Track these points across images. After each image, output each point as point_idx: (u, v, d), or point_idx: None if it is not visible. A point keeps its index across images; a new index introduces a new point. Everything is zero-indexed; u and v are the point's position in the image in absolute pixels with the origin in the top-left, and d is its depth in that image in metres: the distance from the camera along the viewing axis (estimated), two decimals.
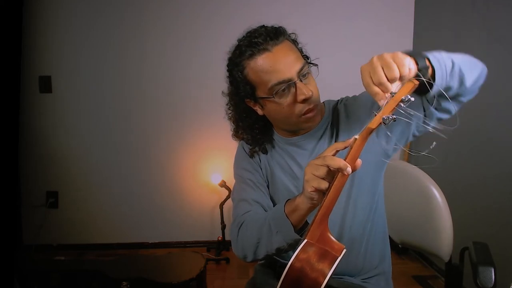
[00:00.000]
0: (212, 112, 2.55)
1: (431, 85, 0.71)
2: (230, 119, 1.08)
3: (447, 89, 0.76)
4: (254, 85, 0.93)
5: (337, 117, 1.02)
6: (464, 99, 0.84)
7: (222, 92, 1.06)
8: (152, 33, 2.53)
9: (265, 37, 0.89)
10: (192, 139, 2.63)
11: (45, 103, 2.56)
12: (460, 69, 0.76)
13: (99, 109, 2.59)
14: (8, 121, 1.69)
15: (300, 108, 0.91)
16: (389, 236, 1.18)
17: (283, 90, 0.90)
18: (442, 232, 1.17)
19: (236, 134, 1.09)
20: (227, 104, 1.07)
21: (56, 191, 2.63)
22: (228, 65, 0.98)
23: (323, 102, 1.08)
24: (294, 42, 0.96)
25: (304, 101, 0.90)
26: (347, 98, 1.05)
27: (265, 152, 1.07)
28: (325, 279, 0.67)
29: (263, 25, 0.93)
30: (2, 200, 1.55)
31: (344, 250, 0.70)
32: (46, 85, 2.54)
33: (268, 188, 1.07)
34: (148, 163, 2.64)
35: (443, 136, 0.67)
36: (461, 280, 1.19)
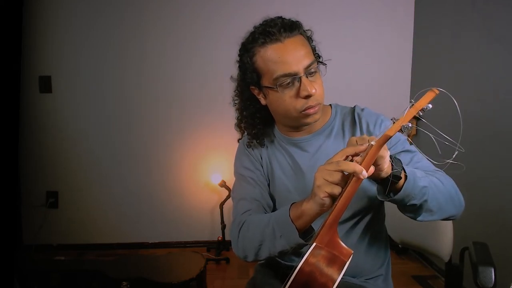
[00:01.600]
0: (212, 112, 2.55)
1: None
2: (235, 105, 1.08)
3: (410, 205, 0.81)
4: (261, 73, 0.94)
5: (349, 125, 1.02)
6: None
7: (231, 77, 1.06)
8: (152, 33, 2.53)
9: (279, 28, 0.90)
10: (192, 139, 2.63)
11: (45, 103, 2.56)
12: (429, 201, 0.81)
13: (99, 109, 2.59)
14: (8, 121, 1.69)
15: (301, 103, 0.92)
16: (389, 236, 1.18)
17: (288, 83, 0.90)
18: (442, 232, 1.17)
19: (239, 124, 1.09)
20: (234, 91, 1.07)
21: (56, 191, 2.63)
22: (239, 50, 0.99)
23: (330, 104, 1.08)
24: (308, 38, 0.97)
25: (307, 97, 0.90)
26: (369, 111, 1.04)
27: (263, 145, 1.07)
28: (334, 284, 0.66)
29: (281, 16, 0.94)
30: (2, 200, 1.55)
31: (352, 255, 0.70)
32: (46, 85, 2.54)
33: (269, 186, 1.07)
34: (148, 163, 2.64)
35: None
36: (461, 280, 1.19)
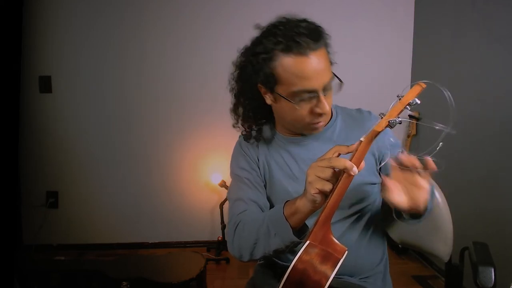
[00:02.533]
0: (212, 112, 2.55)
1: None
2: (232, 90, 1.03)
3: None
4: (278, 80, 0.90)
5: (352, 127, 1.02)
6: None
7: (232, 62, 1.01)
8: (152, 33, 2.53)
9: (306, 37, 0.85)
10: (192, 139, 2.63)
11: (45, 103, 2.56)
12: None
13: (99, 109, 2.59)
14: (8, 121, 1.69)
15: (311, 118, 0.92)
16: (389, 236, 1.18)
17: (304, 98, 0.89)
18: (442, 232, 1.17)
19: (235, 110, 1.04)
20: (232, 76, 1.02)
21: (56, 191, 2.63)
22: (255, 44, 0.93)
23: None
24: (329, 48, 0.93)
25: (319, 114, 0.91)
26: (375, 116, 1.04)
27: (261, 140, 1.06)
28: (327, 281, 0.67)
29: (306, 20, 0.90)
30: (2, 200, 1.55)
31: (346, 252, 0.70)
32: (46, 85, 2.54)
33: (266, 188, 1.06)
34: (148, 163, 2.64)
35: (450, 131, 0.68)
36: (461, 280, 1.19)
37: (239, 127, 1.07)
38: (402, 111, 0.67)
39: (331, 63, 0.93)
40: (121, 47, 2.54)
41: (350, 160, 0.69)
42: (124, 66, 2.56)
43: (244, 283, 1.15)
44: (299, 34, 0.85)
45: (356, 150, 0.70)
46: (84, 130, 2.60)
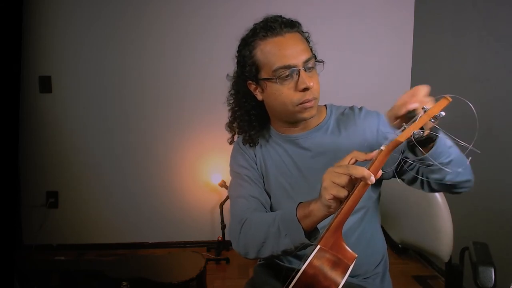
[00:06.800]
0: (212, 112, 2.55)
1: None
2: (229, 106, 1.09)
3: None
4: (260, 66, 0.95)
5: (346, 124, 1.02)
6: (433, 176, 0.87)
7: (227, 75, 1.08)
8: (152, 33, 2.53)
9: (280, 23, 0.93)
10: (192, 139, 2.63)
11: (45, 103, 2.56)
12: (454, 159, 0.84)
13: (99, 109, 2.60)
14: (8, 121, 1.69)
15: (298, 96, 0.93)
16: (389, 236, 1.18)
17: (286, 75, 0.92)
18: (442, 232, 1.17)
19: (231, 125, 1.10)
20: (229, 91, 1.09)
21: (56, 191, 2.63)
22: (239, 45, 1.00)
23: (325, 104, 1.08)
24: (307, 38, 0.99)
25: (304, 90, 0.92)
26: (367, 110, 1.04)
27: (257, 143, 1.08)
28: None
29: (280, 15, 0.97)
30: (2, 200, 1.55)
31: (356, 259, 0.70)
32: (46, 85, 2.54)
33: (264, 183, 1.08)
34: (148, 163, 2.64)
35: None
36: (461, 280, 1.19)
37: (234, 140, 1.13)
38: (426, 123, 0.66)
39: (311, 49, 0.98)
40: (121, 47, 2.54)
41: (368, 169, 0.68)
42: (124, 66, 2.56)
43: (244, 283, 1.15)
44: (274, 22, 0.94)
45: (376, 159, 0.69)
46: (84, 130, 2.60)
